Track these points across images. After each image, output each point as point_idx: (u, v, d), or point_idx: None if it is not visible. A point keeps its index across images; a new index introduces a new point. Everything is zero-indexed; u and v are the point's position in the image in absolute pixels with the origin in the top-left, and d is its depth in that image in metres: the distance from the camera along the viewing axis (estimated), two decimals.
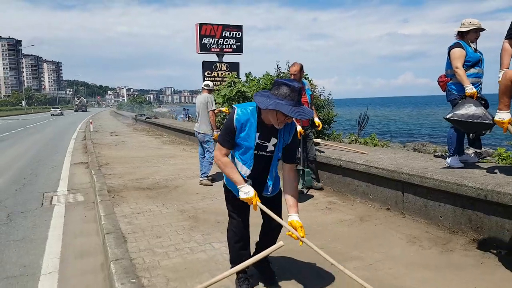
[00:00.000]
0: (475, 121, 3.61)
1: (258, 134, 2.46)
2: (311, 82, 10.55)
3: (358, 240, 3.71)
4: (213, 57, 14.95)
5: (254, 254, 2.76)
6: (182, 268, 3.16)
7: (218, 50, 14.73)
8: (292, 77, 5.10)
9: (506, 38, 3.59)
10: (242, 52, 15.16)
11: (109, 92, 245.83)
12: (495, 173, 3.83)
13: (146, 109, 45.94)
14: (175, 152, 10.77)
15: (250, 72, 11.04)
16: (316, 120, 5.45)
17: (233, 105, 2.52)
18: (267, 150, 2.52)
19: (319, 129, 5.68)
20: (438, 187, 3.80)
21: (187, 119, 25.51)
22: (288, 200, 2.54)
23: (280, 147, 2.54)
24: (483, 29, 4.15)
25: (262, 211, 2.58)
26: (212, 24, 14.70)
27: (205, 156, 6.45)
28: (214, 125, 6.51)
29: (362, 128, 10.62)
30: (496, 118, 2.91)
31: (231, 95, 9.46)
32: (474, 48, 4.14)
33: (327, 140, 8.67)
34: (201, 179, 6.37)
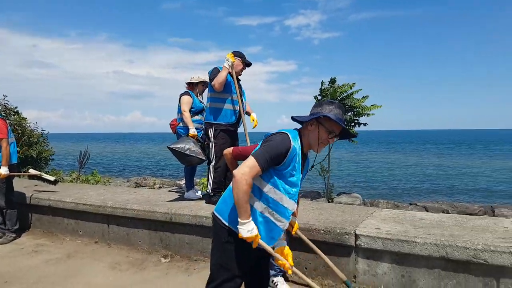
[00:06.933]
0: (190, 154, 4.41)
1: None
2: (21, 115, 9.76)
3: (63, 276, 3.85)
4: None
5: None
6: None
7: None
8: None
9: None
10: None
11: None
12: (181, 200, 4.86)
13: None
14: None
15: None
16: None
17: (281, 130, 2.12)
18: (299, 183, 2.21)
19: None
20: (136, 215, 4.47)
21: None
22: None
23: (302, 180, 2.28)
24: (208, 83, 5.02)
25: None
26: None
27: None
28: None
29: (83, 165, 10.59)
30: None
31: None
32: (200, 100, 5.07)
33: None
34: None
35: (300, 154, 2.09)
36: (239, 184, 1.96)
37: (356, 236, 3.29)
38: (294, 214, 3.20)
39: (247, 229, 2.01)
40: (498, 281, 2.84)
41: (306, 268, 3.59)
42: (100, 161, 34.23)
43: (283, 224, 2.18)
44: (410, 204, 11.26)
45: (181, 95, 4.95)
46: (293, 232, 3.08)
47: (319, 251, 3.21)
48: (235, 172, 2.00)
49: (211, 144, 4.45)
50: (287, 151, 2.02)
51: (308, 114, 2.16)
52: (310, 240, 3.06)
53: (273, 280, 3.42)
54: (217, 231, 2.19)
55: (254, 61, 4.58)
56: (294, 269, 2.24)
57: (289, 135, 2.06)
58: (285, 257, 2.20)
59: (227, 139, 4.43)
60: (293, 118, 2.16)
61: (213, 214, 2.24)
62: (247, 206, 2.01)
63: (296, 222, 3.14)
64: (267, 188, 2.10)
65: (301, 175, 2.17)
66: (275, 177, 2.08)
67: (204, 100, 5.05)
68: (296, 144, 2.06)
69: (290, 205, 2.15)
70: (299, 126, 2.22)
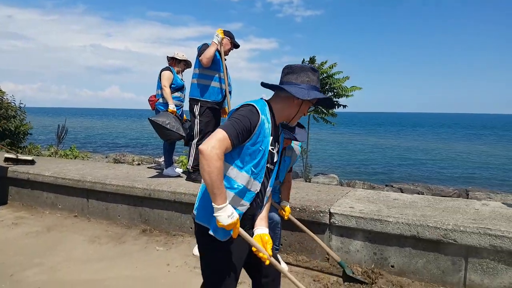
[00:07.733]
0: (171, 129, 4.41)
1: (271, 138, 1.84)
2: None
3: (42, 248, 3.87)
4: None
5: None
6: None
7: None
8: None
9: None
10: None
11: None
12: (160, 176, 4.89)
13: None
14: None
15: None
16: None
17: (246, 102, 1.80)
18: (274, 160, 1.92)
19: None
20: (116, 191, 4.49)
21: None
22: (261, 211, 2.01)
23: (279, 154, 2.00)
24: (190, 65, 5.06)
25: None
26: None
27: None
28: None
29: (61, 140, 10.43)
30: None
31: None
32: (180, 78, 5.01)
33: (22, 153, 8.02)
34: None
35: (270, 127, 1.80)
36: (211, 160, 1.58)
37: (331, 214, 3.40)
38: (286, 198, 3.24)
39: (227, 215, 1.64)
40: (466, 260, 2.99)
41: (281, 245, 3.71)
42: (78, 136, 33.62)
43: (245, 207, 1.85)
44: (386, 185, 11.59)
45: (162, 70, 4.88)
46: (286, 217, 3.16)
47: (312, 234, 3.33)
48: (202, 147, 1.60)
49: (196, 120, 4.46)
50: (256, 124, 1.72)
51: (284, 80, 1.87)
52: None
53: None
54: (200, 235, 1.89)
55: (235, 38, 4.55)
56: (272, 259, 1.89)
57: (256, 107, 1.75)
58: (264, 246, 1.87)
59: (212, 117, 4.45)
60: (286, 87, 1.80)
61: (193, 218, 1.93)
62: (222, 187, 1.63)
63: (288, 206, 3.21)
64: (233, 173, 1.78)
65: (276, 148, 1.90)
66: (240, 157, 1.77)
67: (185, 77, 5.03)
68: (265, 116, 1.77)
69: (254, 186, 1.83)
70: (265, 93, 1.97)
